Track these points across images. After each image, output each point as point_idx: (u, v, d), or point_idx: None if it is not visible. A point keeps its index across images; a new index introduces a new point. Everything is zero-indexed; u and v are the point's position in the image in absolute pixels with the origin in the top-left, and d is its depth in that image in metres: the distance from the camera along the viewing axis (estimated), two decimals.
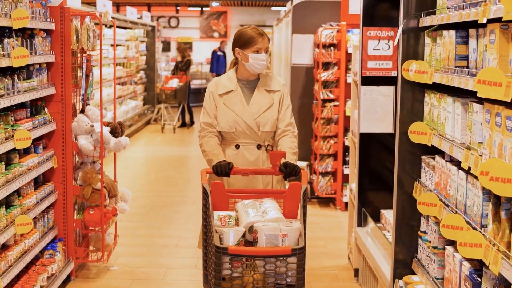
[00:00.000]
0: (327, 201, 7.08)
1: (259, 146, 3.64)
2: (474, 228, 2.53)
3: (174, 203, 7.12)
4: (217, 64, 17.02)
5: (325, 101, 6.92)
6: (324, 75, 6.82)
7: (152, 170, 9.23)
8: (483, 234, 2.43)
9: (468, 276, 2.64)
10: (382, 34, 4.51)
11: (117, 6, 17.52)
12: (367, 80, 4.57)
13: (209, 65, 17.71)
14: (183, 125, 13.41)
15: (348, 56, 6.67)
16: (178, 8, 19.99)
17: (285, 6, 13.97)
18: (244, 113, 3.60)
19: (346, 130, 6.73)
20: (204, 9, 20.11)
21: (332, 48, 6.83)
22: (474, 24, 2.61)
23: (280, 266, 2.84)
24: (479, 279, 2.57)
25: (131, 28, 12.86)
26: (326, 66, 6.91)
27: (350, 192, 5.13)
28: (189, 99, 13.57)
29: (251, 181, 3.61)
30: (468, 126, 2.69)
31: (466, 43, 2.77)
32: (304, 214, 3.07)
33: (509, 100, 2.13)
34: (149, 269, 4.97)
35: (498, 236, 2.33)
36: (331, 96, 6.84)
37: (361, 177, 4.74)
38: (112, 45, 10.37)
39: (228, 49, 18.32)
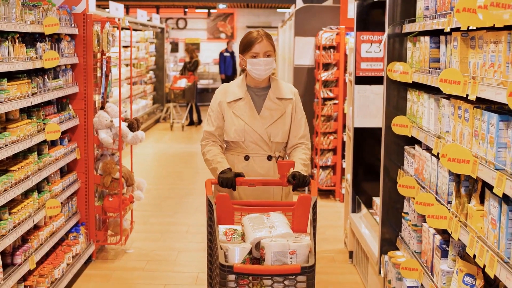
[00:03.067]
0: (327, 193, 7.55)
1: (269, 158, 3.46)
2: (442, 204, 2.99)
3: (183, 194, 7.61)
4: (225, 65, 17.31)
5: (325, 99, 7.39)
6: (324, 75, 7.29)
7: (163, 165, 9.73)
8: (448, 209, 2.90)
9: (438, 246, 3.10)
10: (374, 38, 4.97)
11: (127, 9, 18.02)
12: (361, 80, 5.05)
13: (217, 65, 18.12)
14: (191, 123, 13.89)
15: (347, 58, 7.11)
16: (186, 10, 20.48)
17: (289, 8, 14.43)
18: (254, 122, 3.42)
19: (345, 126, 7.18)
20: (211, 10, 20.58)
21: (332, 50, 7.29)
22: (445, 32, 3.06)
23: (289, 285, 2.67)
24: (447, 248, 3.03)
25: (141, 30, 13.36)
26: (326, 66, 7.38)
27: (346, 182, 5.59)
28: (197, 98, 14.05)
29: (263, 193, 3.45)
30: (439, 119, 3.15)
31: (438, 47, 3.23)
32: (314, 227, 2.93)
33: (464, 95, 2.60)
34: (162, 252, 5.46)
35: (459, 209, 2.79)
36: (331, 95, 7.31)
37: (356, 168, 5.21)
38: (124, 47, 10.88)
39: (235, 48, 18.75)
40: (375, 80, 5.01)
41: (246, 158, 3.45)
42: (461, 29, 2.63)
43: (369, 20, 5.03)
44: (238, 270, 2.62)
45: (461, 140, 2.75)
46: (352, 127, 5.12)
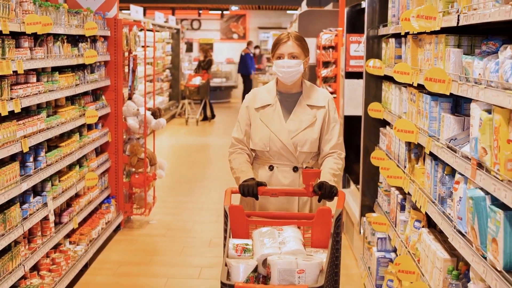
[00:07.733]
0: None
1: (295, 169, 3.25)
2: (399, 168, 3.85)
3: (198, 179, 8.50)
4: (251, 64, 17.34)
5: None
6: (324, 72, 8.15)
7: (179, 156, 10.63)
8: (403, 171, 3.75)
9: (399, 202, 3.95)
10: (361, 39, 5.82)
11: (144, 10, 18.93)
12: (350, 75, 5.91)
13: (229, 65, 18.88)
14: (205, 118, 14.78)
15: None
16: (200, 11, 21.42)
17: (297, 9, 15.29)
18: (281, 131, 3.22)
19: None
20: (224, 12, 21.50)
21: (331, 49, 8.15)
22: (402, 35, 3.91)
23: None
24: (404, 203, 3.88)
25: (158, 31, 14.28)
26: (326, 64, 8.24)
27: None
28: (210, 95, 14.93)
29: (287, 204, 3.27)
30: (401, 103, 4.00)
31: (400, 47, 4.08)
32: (337, 242, 2.75)
33: (411, 83, 3.45)
34: (180, 223, 6.35)
35: (410, 171, 3.64)
36: (330, 89, 8.16)
37: (346, 150, 6.04)
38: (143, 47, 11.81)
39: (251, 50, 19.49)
40: (361, 75, 5.84)
41: (271, 168, 3.27)
42: (410, 33, 3.48)
43: (357, 24, 5.87)
44: None
45: (412, 118, 3.60)
46: (343, 115, 5.97)
